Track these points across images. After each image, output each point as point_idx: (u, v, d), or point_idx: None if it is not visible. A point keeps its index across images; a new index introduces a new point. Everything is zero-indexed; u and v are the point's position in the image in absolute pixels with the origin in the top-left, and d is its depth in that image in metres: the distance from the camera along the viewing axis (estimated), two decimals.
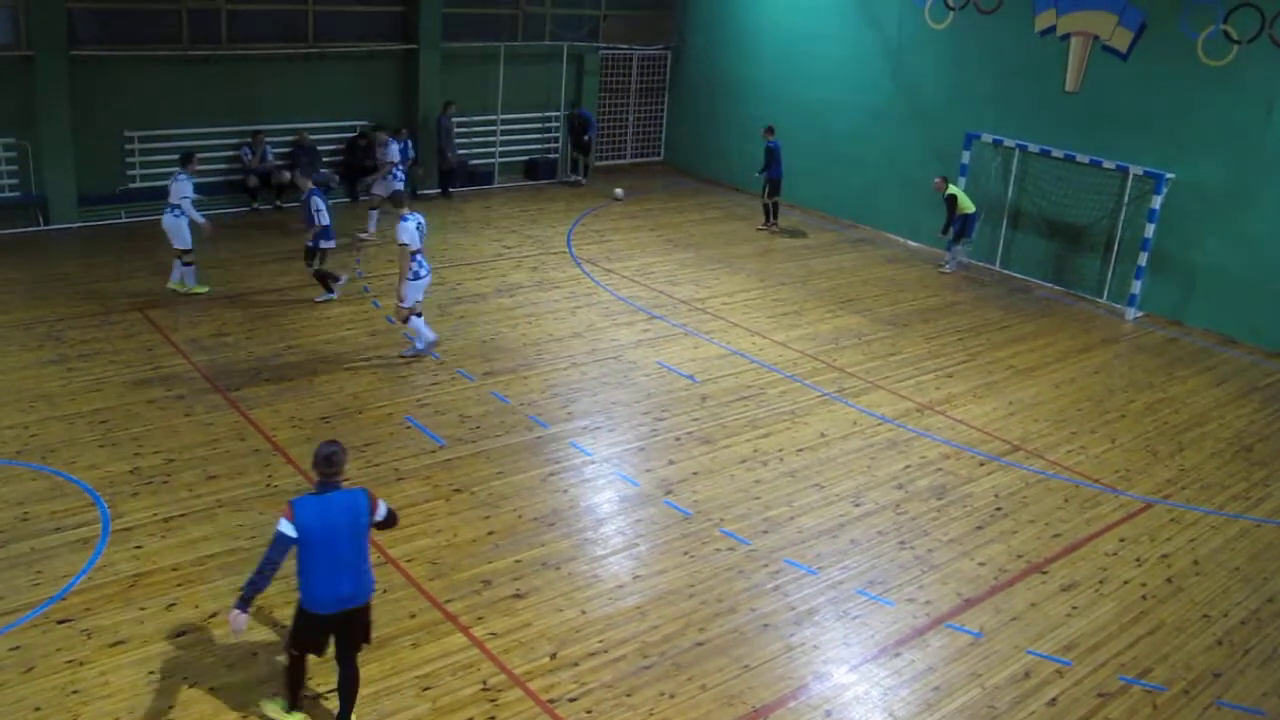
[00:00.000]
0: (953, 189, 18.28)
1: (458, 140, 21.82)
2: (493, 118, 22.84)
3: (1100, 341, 16.12)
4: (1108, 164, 17.19)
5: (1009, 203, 18.94)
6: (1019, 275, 18.90)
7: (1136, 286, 17.15)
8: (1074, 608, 9.28)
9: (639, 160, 26.01)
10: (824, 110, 21.84)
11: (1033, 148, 18.18)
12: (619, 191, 22.56)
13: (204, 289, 15.25)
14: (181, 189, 14.87)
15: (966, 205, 18.35)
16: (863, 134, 21.20)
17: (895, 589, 9.35)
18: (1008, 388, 13.80)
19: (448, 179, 21.64)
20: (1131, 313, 17.27)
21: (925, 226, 20.12)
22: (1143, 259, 16.98)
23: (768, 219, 21.03)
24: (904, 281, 18.25)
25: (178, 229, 14.88)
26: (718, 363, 14.00)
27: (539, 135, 24.05)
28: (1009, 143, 18.47)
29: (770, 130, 20.73)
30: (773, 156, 20.56)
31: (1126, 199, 17.27)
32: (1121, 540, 10.47)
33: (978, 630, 8.84)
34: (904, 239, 20.69)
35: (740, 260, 18.69)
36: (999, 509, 10.87)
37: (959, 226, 18.51)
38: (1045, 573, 9.79)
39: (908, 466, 11.61)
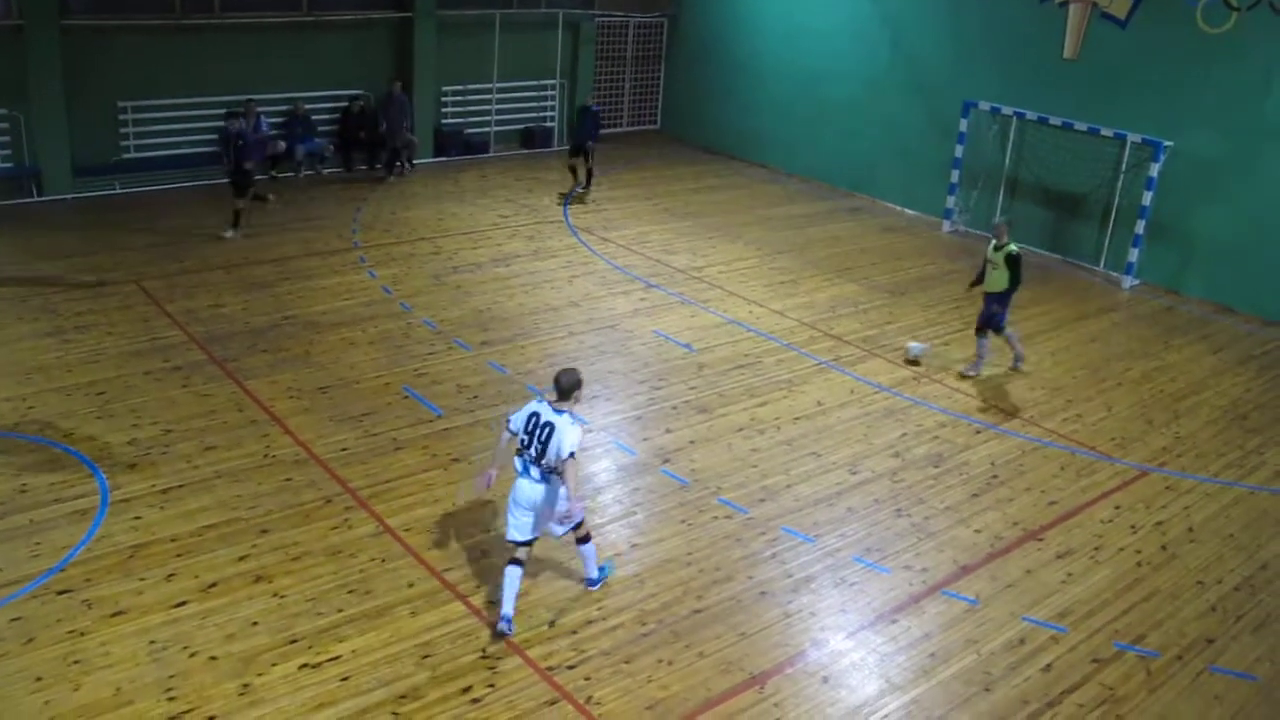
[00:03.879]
0: (1012, 247, 13.07)
1: (454, 108, 21.72)
2: (488, 86, 22.71)
3: (1097, 310, 16.13)
4: (1106, 132, 17.14)
5: (1006, 171, 18.88)
6: (1016, 243, 18.83)
7: (1134, 255, 17.14)
8: (1069, 575, 9.34)
9: (635, 129, 25.90)
10: (822, 79, 21.74)
11: (1030, 116, 18.10)
12: (917, 348, 14.05)
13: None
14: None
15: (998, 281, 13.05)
16: (861, 103, 21.11)
17: (892, 556, 9.40)
18: (1004, 356, 13.82)
19: (394, 157, 20.47)
20: (1128, 281, 17.27)
21: (922, 195, 20.12)
22: (1140, 227, 16.96)
23: (586, 182, 20.33)
24: (901, 250, 18.23)
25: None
26: (715, 331, 14.00)
27: (535, 104, 23.93)
28: (1007, 111, 18.39)
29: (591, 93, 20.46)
30: (588, 119, 19.88)
31: (1124, 167, 17.23)
32: (1117, 508, 10.53)
33: (974, 597, 8.90)
34: (901, 207, 20.65)
35: (737, 229, 18.65)
36: (995, 477, 10.91)
37: (997, 308, 13.15)
38: (1041, 540, 9.84)
39: (904, 434, 11.64)
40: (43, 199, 17.68)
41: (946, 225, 19.51)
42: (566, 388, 7.93)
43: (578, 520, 8.15)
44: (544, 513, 8.04)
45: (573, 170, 20.40)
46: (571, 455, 7.73)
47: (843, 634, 8.38)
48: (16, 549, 8.61)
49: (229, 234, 16.24)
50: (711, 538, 9.46)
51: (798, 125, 22.28)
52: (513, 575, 7.98)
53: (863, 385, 12.78)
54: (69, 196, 17.84)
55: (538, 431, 7.87)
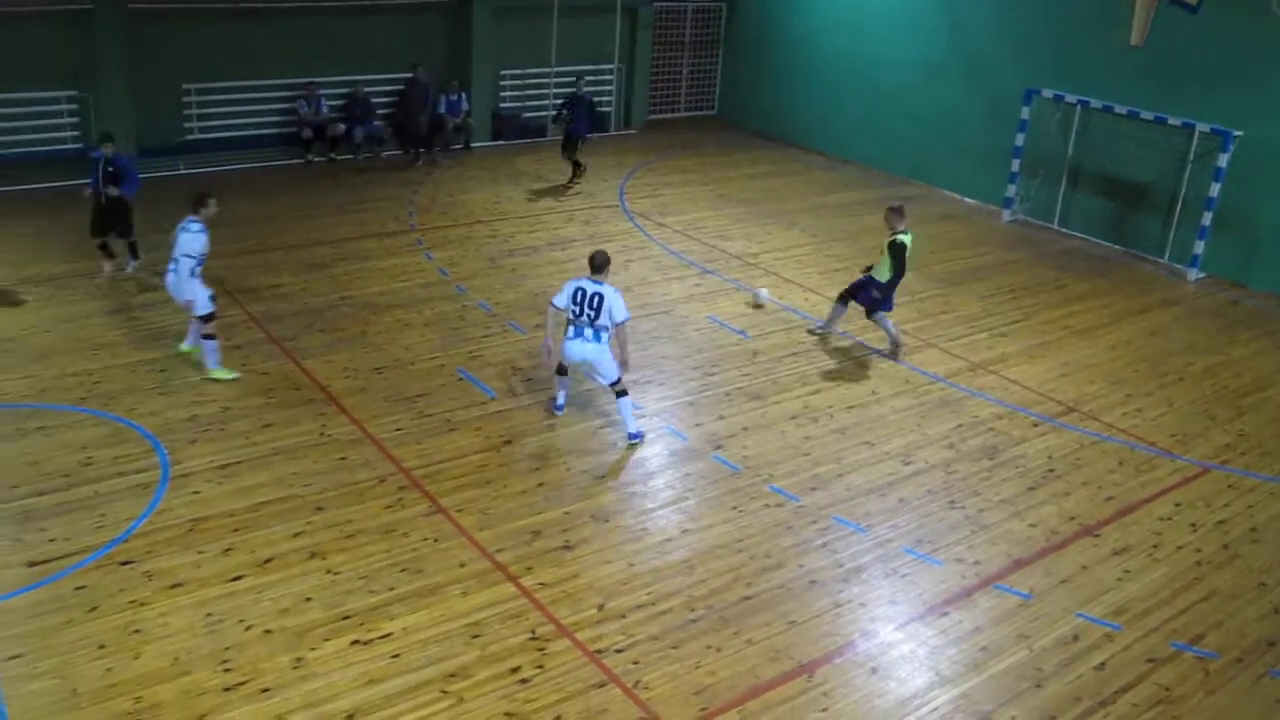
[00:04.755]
0: (902, 236, 12.82)
1: (512, 92, 21.78)
2: (546, 70, 22.74)
3: (1159, 303, 15.84)
4: (1173, 121, 16.79)
5: (1068, 160, 18.57)
6: (1077, 234, 18.57)
7: (1199, 247, 16.80)
8: (1126, 572, 9.20)
9: (692, 114, 25.82)
10: (880, 65, 21.51)
11: (1095, 104, 17.79)
12: (763, 293, 14.93)
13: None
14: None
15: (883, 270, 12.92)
16: (919, 89, 20.85)
17: (944, 548, 9.32)
18: (1063, 348, 13.63)
19: (420, 144, 20.20)
20: (1193, 274, 16.94)
21: (981, 184, 19.86)
22: (1206, 219, 16.61)
23: (572, 175, 19.53)
24: (958, 239, 18.02)
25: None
26: (769, 318, 13.94)
27: (592, 88, 23.90)
28: (1070, 99, 18.09)
29: (581, 79, 19.74)
30: (580, 108, 19.04)
31: (1191, 157, 16.88)
32: (1177, 505, 10.35)
33: (1027, 592, 8.80)
34: (959, 196, 20.40)
35: (793, 215, 18.54)
36: (1051, 470, 10.77)
37: (876, 294, 13.00)
38: (1097, 536, 9.70)
39: (959, 426, 11.53)
40: None
41: (1006, 214, 19.25)
42: (601, 263, 10.26)
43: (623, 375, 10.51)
44: (596, 364, 10.32)
45: (571, 162, 19.55)
46: (628, 317, 10.27)
47: (893, 625, 8.32)
48: (81, 519, 8.80)
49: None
50: (762, 525, 9.44)
51: (855, 111, 22.07)
52: (563, 380, 10.98)
53: (917, 375, 12.66)
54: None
55: (588, 300, 10.10)
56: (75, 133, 17.98)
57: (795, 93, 23.42)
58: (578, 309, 10.15)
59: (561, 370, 10.85)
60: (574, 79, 20.09)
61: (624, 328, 10.30)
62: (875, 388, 12.23)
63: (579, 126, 19.12)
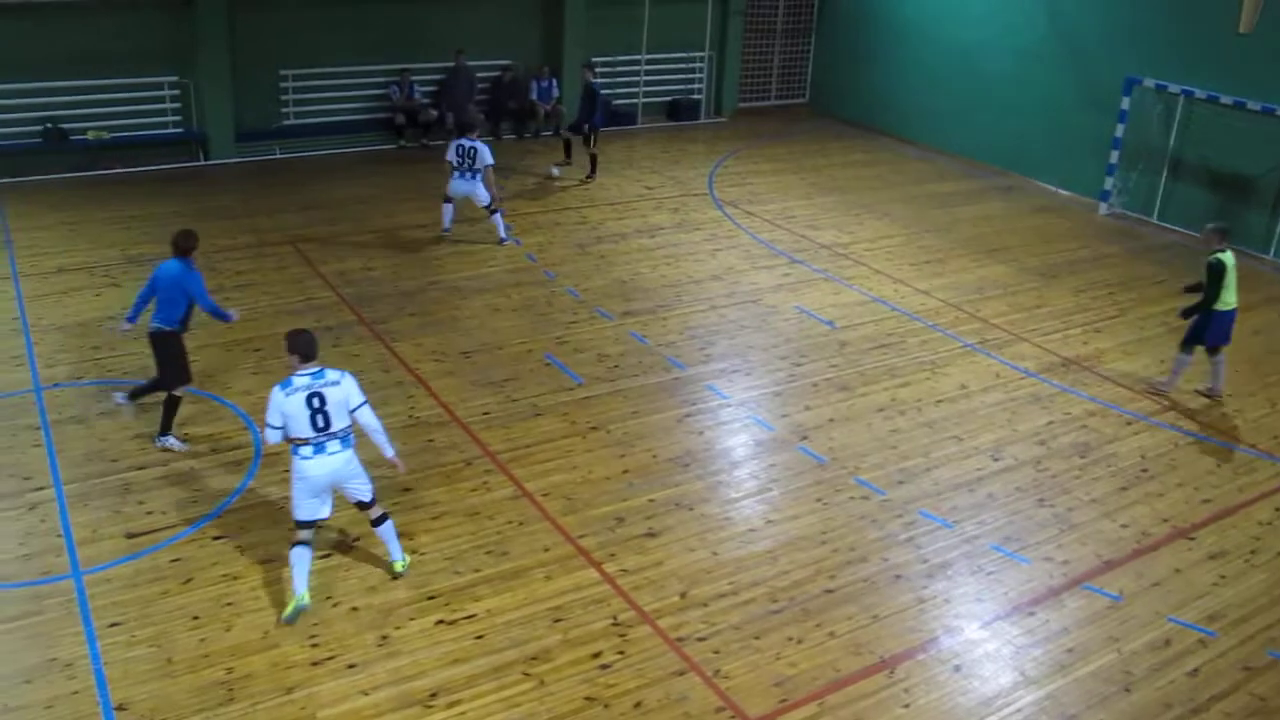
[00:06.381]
0: (1221, 255, 11.55)
1: (602, 79, 21.79)
2: (637, 58, 22.75)
3: (1263, 300, 15.33)
4: None
5: (1170, 152, 18.04)
6: (1177, 228, 18.03)
7: None
8: (1221, 577, 8.96)
9: (783, 102, 25.63)
10: (975, 52, 21.10)
11: (1199, 93, 17.26)
12: (554, 169, 18.95)
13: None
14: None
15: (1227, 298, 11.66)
16: (1016, 77, 20.42)
17: (1032, 547, 9.16)
18: (1160, 345, 13.28)
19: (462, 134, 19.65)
20: None
21: (1078, 175, 19.39)
22: None
23: (590, 170, 18.85)
24: (1053, 232, 17.65)
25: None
26: (858, 309, 13.81)
27: (683, 76, 23.89)
28: (1173, 88, 17.57)
29: (591, 68, 18.99)
30: (593, 100, 18.30)
31: None
32: (1277, 510, 10.03)
33: (1117, 594, 8.62)
34: (1055, 188, 19.95)
35: (884, 206, 18.32)
36: (1145, 470, 10.52)
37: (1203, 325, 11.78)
38: (1192, 539, 9.46)
39: (1051, 422, 11.31)
40: (208, 162, 18.45)
41: (1103, 207, 18.79)
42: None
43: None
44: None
45: (566, 145, 19.08)
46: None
47: (977, 623, 8.21)
48: (178, 494, 9.07)
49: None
50: (847, 517, 9.37)
51: (949, 100, 21.70)
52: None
53: (1009, 370, 12.45)
54: (232, 160, 18.57)
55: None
56: (177, 117, 18.46)
57: (888, 81, 23.11)
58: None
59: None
60: (585, 66, 19.32)
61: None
62: (965, 382, 12.06)
63: (596, 118, 18.40)
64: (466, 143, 14.89)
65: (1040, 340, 13.29)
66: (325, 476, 7.71)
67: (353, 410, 7.73)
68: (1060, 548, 9.18)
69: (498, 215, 15.24)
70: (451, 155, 14.88)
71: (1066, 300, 14.67)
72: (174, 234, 9.70)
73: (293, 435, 7.57)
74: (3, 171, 16.93)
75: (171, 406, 9.77)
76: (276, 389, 7.54)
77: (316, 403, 7.54)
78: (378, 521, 8.16)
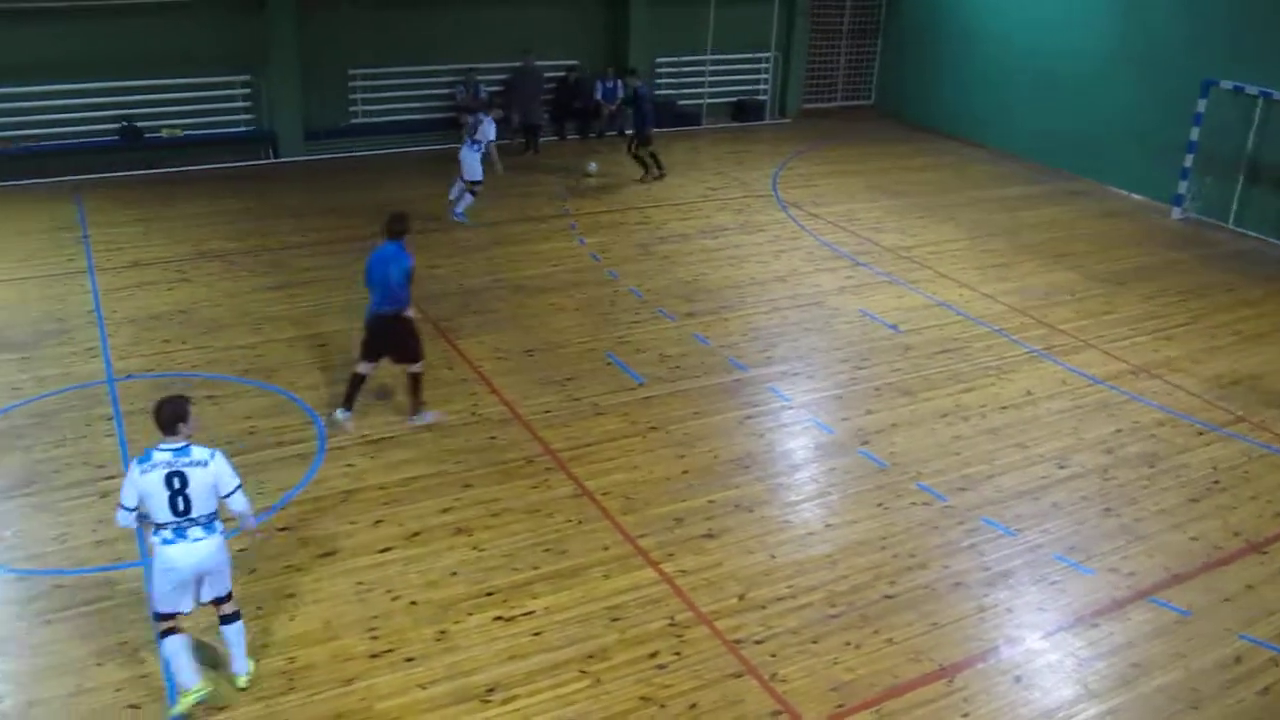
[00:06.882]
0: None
1: (667, 79, 21.82)
2: (701, 58, 22.73)
3: None
4: None
5: (1247, 155, 17.63)
6: (1252, 234, 17.62)
7: None
8: None
9: (848, 104, 25.46)
10: (1044, 53, 20.77)
11: (1278, 95, 16.84)
12: (592, 166, 18.82)
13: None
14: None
15: None
16: (1085, 79, 20.05)
17: (1097, 557, 9.00)
18: (1232, 354, 12.99)
19: (532, 135, 20.09)
20: None
21: (1150, 179, 19.00)
22: None
23: (647, 170, 18.70)
24: (1123, 237, 17.33)
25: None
26: (922, 313, 13.67)
27: (748, 76, 23.82)
28: (1251, 90, 17.17)
29: (634, 74, 19.36)
30: (642, 105, 18.22)
31: None
32: None
33: (1185, 608, 8.43)
34: (1126, 192, 19.58)
35: (950, 209, 18.12)
36: (1216, 482, 10.29)
37: None
38: (1265, 553, 9.22)
39: (1118, 431, 11.11)
40: (278, 160, 18.76)
41: (1176, 212, 18.41)
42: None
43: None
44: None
45: (652, 159, 18.77)
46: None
47: (1039, 633, 8.09)
48: (244, 485, 9.19)
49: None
50: (907, 523, 9.28)
51: (1016, 103, 21.40)
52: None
53: (1075, 376, 12.25)
54: (301, 159, 18.86)
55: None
56: (248, 116, 18.79)
57: (955, 83, 22.85)
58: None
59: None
60: (631, 73, 20.04)
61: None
62: (1030, 388, 11.88)
63: (647, 121, 18.36)
64: (480, 115, 15.84)
65: (1108, 347, 13.06)
66: (191, 567, 6.59)
67: (224, 496, 6.67)
68: (1126, 559, 9.01)
69: (468, 196, 15.76)
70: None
71: (1136, 306, 14.41)
72: (387, 218, 10.06)
73: (150, 518, 6.52)
74: (82, 168, 17.36)
75: (358, 384, 10.16)
76: (133, 463, 6.51)
77: (177, 483, 6.44)
78: (228, 619, 6.97)
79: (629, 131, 18.97)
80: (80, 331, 12.02)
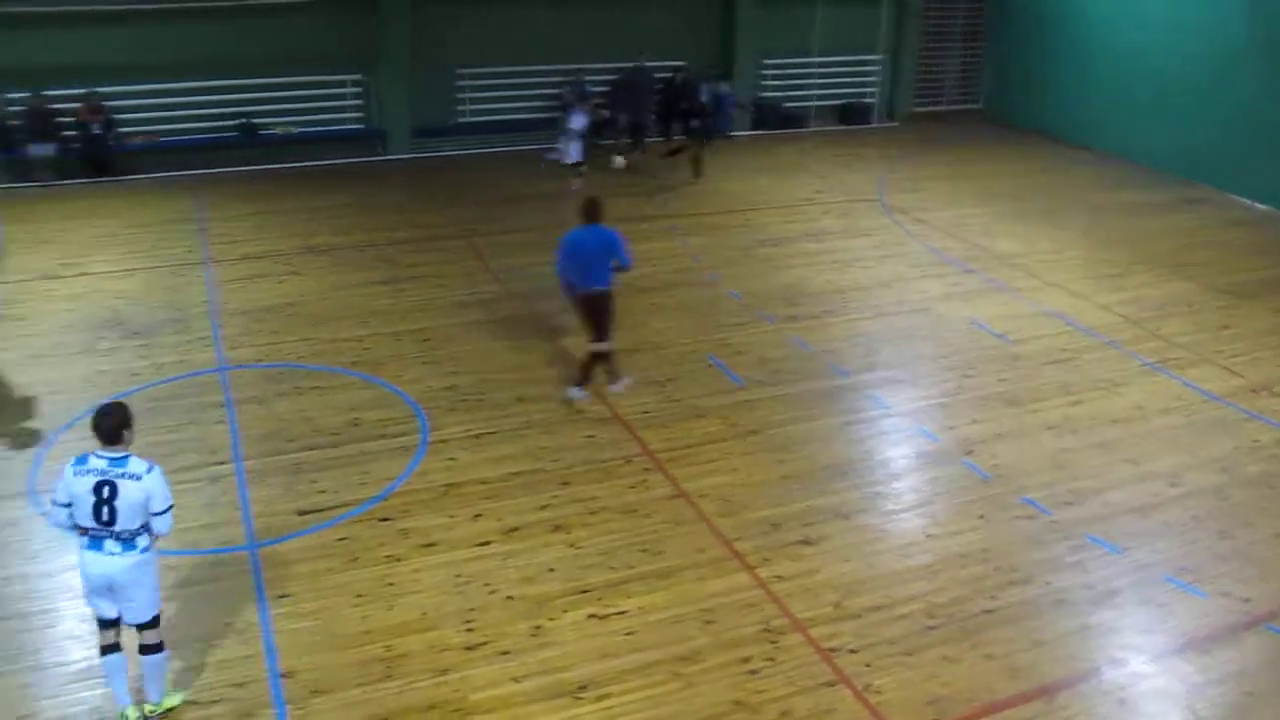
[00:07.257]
0: None
1: (773, 81, 21.68)
2: (807, 60, 22.55)
3: None
4: None
5: None
6: None
7: None
8: None
9: (956, 108, 25.02)
10: (1160, 55, 20.07)
11: None
12: (619, 160, 19.35)
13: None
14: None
15: None
16: (1207, 81, 19.33)
17: (1210, 580, 8.67)
18: None
19: (637, 136, 19.83)
20: None
21: (1277, 188, 18.26)
22: None
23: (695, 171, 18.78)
24: (1246, 248, 16.70)
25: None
26: (1031, 322, 13.36)
27: (855, 79, 23.57)
28: None
29: (721, 78, 19.61)
30: (724, 108, 18.85)
31: None
32: None
33: None
34: (1250, 201, 18.87)
35: (1062, 216, 17.67)
36: None
37: None
38: None
39: (1236, 449, 10.70)
40: (387, 158, 19.13)
41: None
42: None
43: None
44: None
45: (696, 161, 18.85)
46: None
47: (1145, 656, 7.83)
48: (348, 475, 9.41)
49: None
50: (1010, 537, 9.07)
51: (1133, 107, 20.77)
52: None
53: (1191, 391, 11.85)
54: (409, 156, 19.21)
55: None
56: (359, 114, 19.20)
57: (1068, 86, 22.27)
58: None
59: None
60: (719, 77, 20.22)
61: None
62: (1142, 403, 11.52)
63: (721, 125, 18.91)
64: (573, 108, 17.43)
65: (1226, 362, 12.60)
66: (100, 578, 6.36)
67: (153, 514, 6.36)
68: (1241, 583, 8.67)
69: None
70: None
71: (1259, 321, 13.86)
72: (583, 202, 10.80)
73: (76, 521, 6.34)
74: (201, 163, 17.92)
75: (594, 361, 10.83)
76: (69, 464, 6.36)
77: (106, 492, 6.23)
78: (149, 650, 6.62)
79: (727, 133, 19.01)
80: (196, 321, 12.41)
